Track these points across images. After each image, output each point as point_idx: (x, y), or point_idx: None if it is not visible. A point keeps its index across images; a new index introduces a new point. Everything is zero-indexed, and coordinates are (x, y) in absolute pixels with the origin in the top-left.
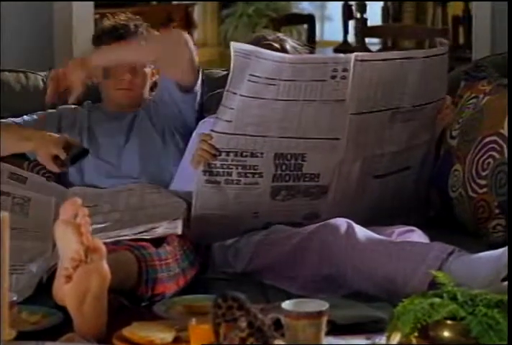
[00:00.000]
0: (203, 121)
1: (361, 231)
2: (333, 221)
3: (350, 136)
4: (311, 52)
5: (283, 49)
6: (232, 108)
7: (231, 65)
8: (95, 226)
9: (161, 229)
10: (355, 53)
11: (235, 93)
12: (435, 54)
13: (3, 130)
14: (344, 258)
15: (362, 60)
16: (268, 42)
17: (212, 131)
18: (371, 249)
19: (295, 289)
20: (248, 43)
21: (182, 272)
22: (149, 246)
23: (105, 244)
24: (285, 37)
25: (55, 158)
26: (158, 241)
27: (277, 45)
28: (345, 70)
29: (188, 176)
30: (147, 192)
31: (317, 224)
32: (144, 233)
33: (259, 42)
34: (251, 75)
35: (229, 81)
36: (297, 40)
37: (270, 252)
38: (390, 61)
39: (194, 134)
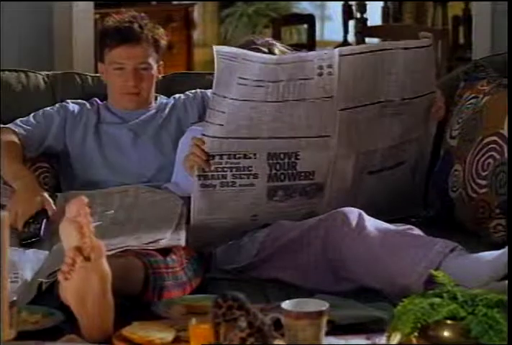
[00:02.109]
0: (189, 129)
1: (370, 221)
2: (345, 209)
3: (341, 132)
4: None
5: (271, 54)
6: (223, 112)
7: (216, 68)
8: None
9: (165, 241)
10: (338, 48)
11: (225, 97)
12: (418, 46)
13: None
14: (347, 248)
15: (345, 55)
16: (256, 46)
17: (204, 135)
18: (376, 238)
19: (297, 280)
20: (238, 47)
21: (188, 280)
22: (156, 255)
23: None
24: (273, 42)
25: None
26: (164, 250)
27: (265, 49)
28: (330, 66)
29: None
30: (141, 193)
31: (328, 213)
32: (150, 245)
33: (247, 46)
34: (240, 77)
35: (214, 85)
36: (297, 40)
37: (277, 241)
38: (373, 53)
39: (180, 143)
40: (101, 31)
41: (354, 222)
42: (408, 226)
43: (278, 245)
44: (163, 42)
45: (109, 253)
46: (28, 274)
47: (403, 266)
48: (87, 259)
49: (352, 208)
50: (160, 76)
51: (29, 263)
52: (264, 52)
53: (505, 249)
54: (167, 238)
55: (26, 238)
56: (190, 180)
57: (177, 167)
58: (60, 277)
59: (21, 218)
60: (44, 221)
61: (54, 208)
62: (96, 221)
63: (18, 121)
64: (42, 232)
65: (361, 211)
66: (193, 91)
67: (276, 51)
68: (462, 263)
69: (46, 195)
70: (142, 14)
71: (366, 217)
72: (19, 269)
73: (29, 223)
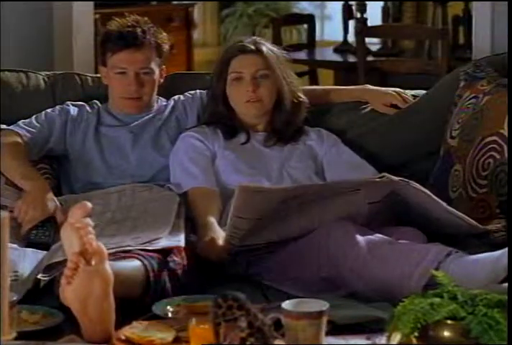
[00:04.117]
0: (183, 134)
1: (360, 233)
2: (337, 222)
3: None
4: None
5: (258, 50)
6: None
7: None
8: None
9: (164, 241)
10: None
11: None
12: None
13: (10, 158)
14: (343, 259)
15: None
16: (243, 44)
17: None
18: (369, 252)
19: (295, 291)
20: (226, 48)
21: (189, 282)
22: (157, 257)
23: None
24: (262, 41)
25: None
26: (165, 250)
27: (252, 47)
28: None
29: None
30: (138, 191)
31: (320, 226)
32: (147, 244)
33: (234, 45)
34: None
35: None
36: (297, 40)
37: (270, 257)
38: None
39: (176, 148)
40: (103, 35)
41: (343, 236)
42: (408, 228)
43: (271, 260)
44: (166, 47)
45: (109, 251)
46: (27, 274)
47: (397, 277)
48: (89, 263)
49: (343, 221)
50: (161, 80)
51: (28, 262)
52: (251, 49)
53: (504, 250)
54: (165, 236)
55: (35, 242)
56: (188, 180)
57: (172, 169)
58: (62, 281)
59: (30, 221)
60: (54, 229)
61: (63, 216)
62: (95, 221)
63: (20, 123)
64: (51, 240)
65: (351, 223)
66: (192, 92)
67: (264, 48)
68: (459, 267)
69: (57, 202)
70: (145, 18)
71: (355, 229)
72: (19, 268)
73: (36, 227)
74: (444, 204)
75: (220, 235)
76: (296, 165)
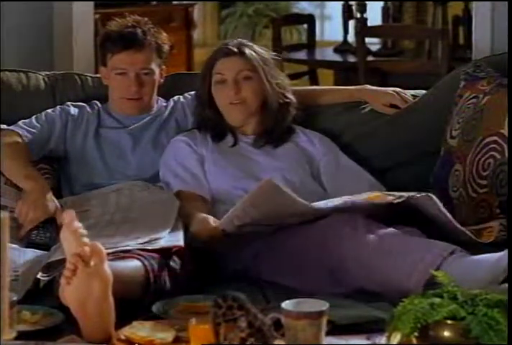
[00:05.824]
0: (174, 139)
1: (366, 225)
2: (342, 214)
3: None
4: (279, 58)
5: (241, 53)
6: None
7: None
8: (87, 229)
9: (163, 241)
10: None
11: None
12: None
13: (9, 158)
14: (347, 251)
15: None
16: (227, 47)
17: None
18: (373, 244)
19: (297, 285)
20: (212, 52)
21: (189, 282)
22: (158, 257)
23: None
24: (247, 43)
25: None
26: (165, 250)
27: (235, 49)
28: None
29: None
30: (136, 191)
31: (323, 219)
32: (146, 244)
33: (218, 48)
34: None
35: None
36: (297, 40)
37: (276, 246)
38: None
39: (165, 152)
40: (104, 36)
41: (348, 227)
42: (410, 229)
43: (277, 250)
44: (166, 47)
45: (108, 251)
46: (27, 274)
47: (400, 270)
48: (88, 264)
49: (350, 213)
50: (161, 80)
51: (28, 262)
52: (234, 52)
53: (505, 252)
54: (165, 237)
55: (35, 243)
56: (176, 183)
57: (161, 172)
58: (62, 281)
59: (31, 222)
60: (54, 230)
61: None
62: (94, 222)
63: (21, 123)
64: (51, 241)
65: (358, 216)
66: (192, 93)
67: (246, 51)
68: (461, 266)
69: (57, 202)
70: (145, 19)
71: (363, 221)
72: (19, 267)
73: (37, 228)
74: (453, 221)
75: (211, 217)
76: (288, 167)
